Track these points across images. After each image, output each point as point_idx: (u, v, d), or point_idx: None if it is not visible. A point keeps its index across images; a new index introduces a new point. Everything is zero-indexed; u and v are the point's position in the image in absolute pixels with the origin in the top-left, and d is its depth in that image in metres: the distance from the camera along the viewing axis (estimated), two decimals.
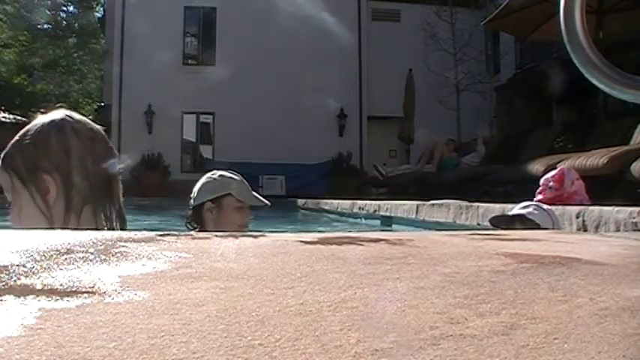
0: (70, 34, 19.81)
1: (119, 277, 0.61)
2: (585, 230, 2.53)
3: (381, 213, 5.84)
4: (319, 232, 2.72)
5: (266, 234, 1.02)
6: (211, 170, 2.43)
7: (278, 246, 0.89)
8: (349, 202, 7.04)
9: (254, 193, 2.39)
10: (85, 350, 0.40)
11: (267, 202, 2.44)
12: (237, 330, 0.45)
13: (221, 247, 0.86)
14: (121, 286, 0.57)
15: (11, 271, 0.61)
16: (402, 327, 0.47)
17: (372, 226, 6.16)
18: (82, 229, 1.00)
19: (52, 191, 1.09)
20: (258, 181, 13.19)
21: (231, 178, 2.36)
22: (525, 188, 4.63)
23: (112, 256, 0.72)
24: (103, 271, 0.63)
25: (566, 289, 0.61)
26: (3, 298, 0.51)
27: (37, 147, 1.10)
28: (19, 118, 17.41)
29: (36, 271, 0.61)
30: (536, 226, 2.08)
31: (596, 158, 4.84)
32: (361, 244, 0.91)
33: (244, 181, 2.41)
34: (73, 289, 0.55)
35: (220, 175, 2.36)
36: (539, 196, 3.43)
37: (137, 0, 15.71)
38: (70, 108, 1.22)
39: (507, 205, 3.19)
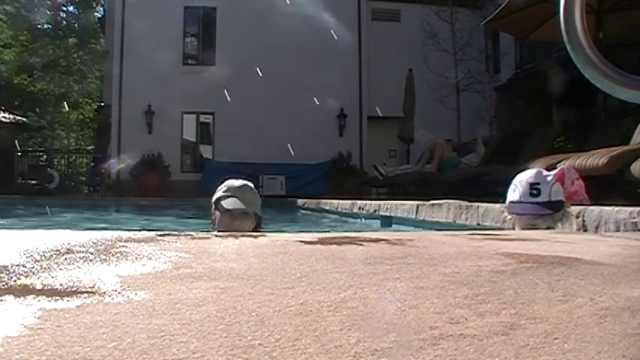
0: (70, 34, 19.78)
1: (119, 277, 0.61)
2: (585, 230, 2.52)
3: (381, 213, 5.83)
4: (319, 232, 2.73)
5: (266, 234, 1.03)
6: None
7: (278, 246, 0.89)
8: (349, 202, 7.03)
9: None
10: (85, 350, 0.40)
11: None
12: (237, 330, 0.45)
13: (221, 247, 0.86)
14: (121, 286, 0.57)
15: (11, 271, 0.61)
16: (402, 327, 0.47)
17: (372, 226, 6.15)
18: None
19: None
20: (258, 181, 13.16)
21: None
22: None
23: (112, 256, 0.72)
24: (103, 271, 0.63)
25: (566, 289, 0.61)
26: (3, 298, 0.51)
27: None
28: (19, 118, 17.40)
29: (36, 271, 0.61)
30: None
31: (596, 158, 4.83)
32: (361, 244, 0.91)
33: None
34: (73, 289, 0.55)
35: None
36: None
37: (137, 0, 15.70)
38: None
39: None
